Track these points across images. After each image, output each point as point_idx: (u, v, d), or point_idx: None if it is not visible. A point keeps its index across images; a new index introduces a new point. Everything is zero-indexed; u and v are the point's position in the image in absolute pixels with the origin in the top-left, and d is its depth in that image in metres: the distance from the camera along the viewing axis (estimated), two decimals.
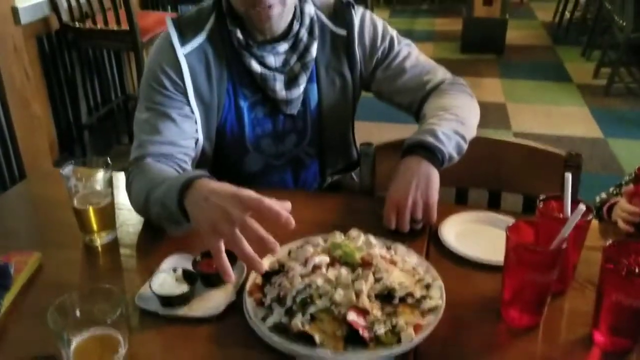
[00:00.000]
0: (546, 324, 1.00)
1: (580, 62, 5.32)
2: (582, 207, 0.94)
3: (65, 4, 3.20)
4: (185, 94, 1.35)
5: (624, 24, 4.33)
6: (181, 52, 1.34)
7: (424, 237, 1.25)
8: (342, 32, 1.43)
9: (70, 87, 3.46)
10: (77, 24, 3.26)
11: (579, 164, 1.37)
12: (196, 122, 1.38)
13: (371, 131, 3.40)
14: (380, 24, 1.47)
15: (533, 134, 3.89)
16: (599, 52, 5.01)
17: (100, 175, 1.23)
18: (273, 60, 1.39)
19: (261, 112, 1.44)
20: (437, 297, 1.01)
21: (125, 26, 3.19)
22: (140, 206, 1.26)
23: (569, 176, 1.03)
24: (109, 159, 1.25)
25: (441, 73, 1.47)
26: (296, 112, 1.44)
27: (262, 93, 1.41)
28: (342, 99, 1.48)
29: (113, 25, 3.24)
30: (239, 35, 1.36)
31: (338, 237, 1.12)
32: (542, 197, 1.09)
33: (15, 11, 2.95)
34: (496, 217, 1.30)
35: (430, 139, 1.23)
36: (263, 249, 0.97)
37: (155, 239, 1.27)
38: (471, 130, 1.33)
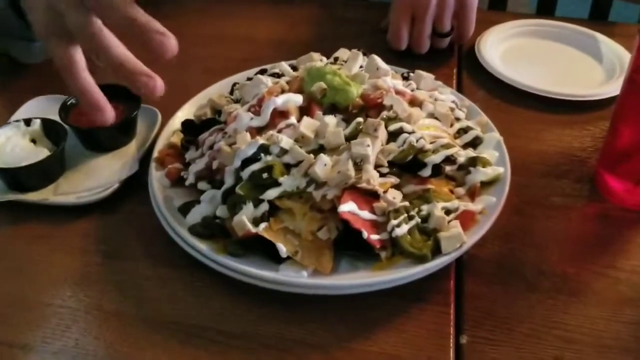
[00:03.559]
0: None
1: None
2: None
3: None
4: None
5: None
6: None
7: (452, 61, 0.79)
8: None
9: None
10: None
11: None
12: None
13: None
14: None
15: None
16: None
17: None
18: None
19: None
20: (495, 162, 0.57)
21: None
22: None
23: None
24: None
25: None
26: None
27: None
28: None
29: None
30: None
31: (317, 60, 0.64)
32: None
33: None
34: (558, 27, 0.83)
35: None
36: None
37: (14, 70, 0.78)
38: None
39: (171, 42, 0.43)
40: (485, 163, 0.56)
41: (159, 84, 0.45)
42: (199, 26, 0.88)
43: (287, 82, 0.60)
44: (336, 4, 0.94)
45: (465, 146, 0.58)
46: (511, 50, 0.80)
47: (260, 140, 0.52)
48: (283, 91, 0.58)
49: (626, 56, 0.76)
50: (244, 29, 0.88)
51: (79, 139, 0.62)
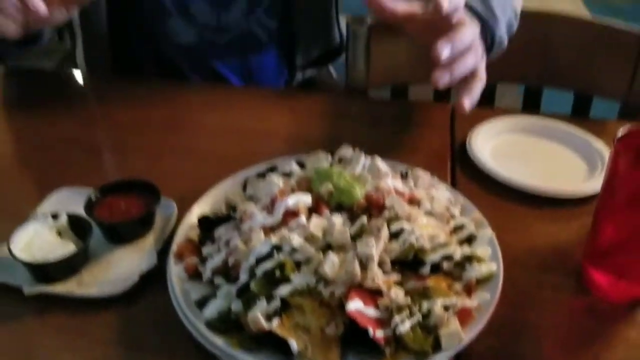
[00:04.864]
0: None
1: None
2: None
3: None
4: None
5: None
6: None
7: (446, 156, 0.85)
8: None
9: None
10: None
11: None
12: None
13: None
14: None
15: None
16: None
17: None
18: None
19: None
20: (488, 258, 0.62)
21: None
22: None
23: None
24: None
25: None
26: None
27: None
28: None
29: None
30: None
31: (323, 159, 0.70)
32: None
33: None
34: (545, 124, 0.90)
35: (482, 9, 0.77)
36: None
37: (38, 162, 0.83)
38: (520, 1, 0.89)
39: None
40: (480, 260, 0.60)
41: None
42: (206, 117, 0.94)
43: (297, 182, 0.66)
44: (338, 99, 1.01)
45: (460, 242, 0.63)
46: (500, 146, 0.87)
47: (273, 239, 0.57)
48: (293, 191, 0.63)
49: (607, 152, 0.82)
50: (251, 120, 0.94)
51: (102, 231, 0.67)
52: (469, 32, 0.66)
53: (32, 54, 0.92)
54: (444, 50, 0.62)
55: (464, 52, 0.65)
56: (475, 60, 0.68)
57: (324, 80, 1.23)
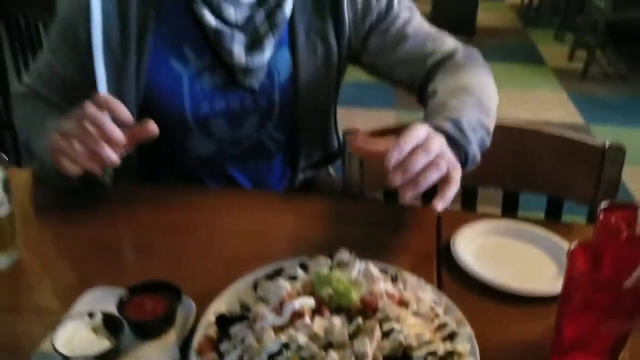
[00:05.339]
0: None
1: (554, 44, 5.12)
2: None
3: None
4: (89, 47, 1.05)
5: (602, 4, 4.13)
6: None
7: (431, 254, 0.95)
8: None
9: None
10: None
11: (620, 158, 1.09)
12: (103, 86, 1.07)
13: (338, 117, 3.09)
14: None
15: (509, 119, 3.65)
16: (572, 34, 4.82)
17: None
18: (233, 13, 1.07)
19: (209, 83, 1.12)
20: (467, 353, 0.71)
21: None
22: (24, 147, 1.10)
23: None
24: (3, 155, 0.90)
25: (451, 41, 1.16)
26: (258, 85, 1.12)
27: (213, 56, 1.10)
28: (324, 71, 1.17)
29: None
30: None
31: (324, 264, 0.81)
32: (603, 205, 0.80)
33: None
34: (520, 228, 1.01)
35: (454, 131, 0.91)
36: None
37: (70, 262, 0.94)
38: (493, 119, 1.03)
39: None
40: (460, 355, 0.70)
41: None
42: (220, 219, 1.05)
43: (302, 285, 0.76)
44: (335, 201, 1.13)
45: (443, 339, 0.73)
46: (481, 247, 0.97)
47: (282, 338, 0.66)
48: (299, 294, 0.74)
49: None
50: (259, 222, 1.05)
51: (130, 328, 0.76)
52: (415, 135, 0.80)
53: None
54: (392, 156, 0.78)
55: (415, 151, 0.79)
56: (427, 159, 0.80)
57: (323, 180, 1.36)
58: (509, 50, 4.95)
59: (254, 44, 1.08)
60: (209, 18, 1.05)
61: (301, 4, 1.11)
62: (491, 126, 1.01)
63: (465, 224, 1.01)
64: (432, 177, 0.80)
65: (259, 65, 1.09)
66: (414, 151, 0.80)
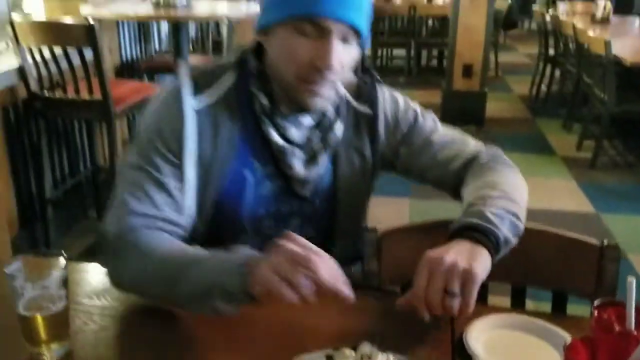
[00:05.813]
0: None
1: (562, 134, 5.30)
2: None
3: (34, 73, 3.02)
4: (181, 157, 1.19)
5: (606, 97, 4.31)
6: (192, 106, 1.19)
7: (446, 347, 1.04)
8: (367, 110, 1.33)
9: (36, 159, 3.22)
10: (46, 93, 3.07)
11: (617, 256, 1.19)
12: (191, 194, 1.22)
13: None
14: (401, 98, 1.40)
15: None
16: (580, 124, 5.01)
17: (54, 274, 1.00)
18: (295, 134, 1.25)
19: (268, 189, 1.28)
20: None
21: (98, 95, 3.01)
22: (144, 284, 1.10)
23: (632, 282, 0.84)
24: (64, 252, 1.03)
25: (472, 143, 1.37)
26: (309, 194, 1.30)
27: (274, 167, 1.27)
28: (361, 180, 1.35)
29: (85, 95, 3.05)
30: (263, 100, 1.22)
31: (349, 357, 0.90)
32: (597, 302, 0.90)
33: None
34: (528, 322, 1.10)
35: (477, 221, 1.07)
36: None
37: (120, 349, 1.03)
38: (524, 208, 1.18)
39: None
40: None
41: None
42: (258, 311, 1.14)
43: None
44: (356, 294, 1.22)
45: None
46: (491, 340, 1.05)
47: None
48: None
49: None
50: (283, 316, 1.14)
51: None
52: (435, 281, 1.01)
53: None
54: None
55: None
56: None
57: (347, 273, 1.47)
58: (518, 140, 5.14)
59: (310, 160, 1.26)
60: (276, 137, 1.22)
61: (344, 126, 1.30)
62: (520, 212, 1.15)
63: (477, 316, 1.10)
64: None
65: (314, 177, 1.27)
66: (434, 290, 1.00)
